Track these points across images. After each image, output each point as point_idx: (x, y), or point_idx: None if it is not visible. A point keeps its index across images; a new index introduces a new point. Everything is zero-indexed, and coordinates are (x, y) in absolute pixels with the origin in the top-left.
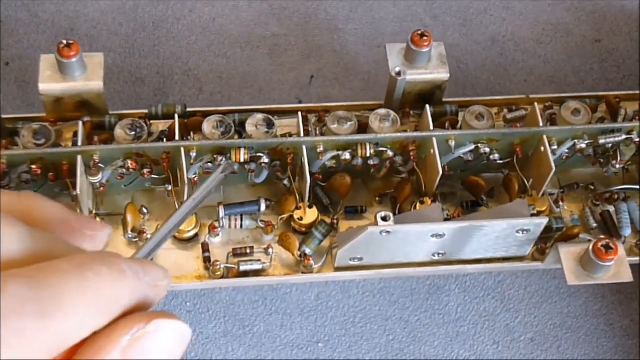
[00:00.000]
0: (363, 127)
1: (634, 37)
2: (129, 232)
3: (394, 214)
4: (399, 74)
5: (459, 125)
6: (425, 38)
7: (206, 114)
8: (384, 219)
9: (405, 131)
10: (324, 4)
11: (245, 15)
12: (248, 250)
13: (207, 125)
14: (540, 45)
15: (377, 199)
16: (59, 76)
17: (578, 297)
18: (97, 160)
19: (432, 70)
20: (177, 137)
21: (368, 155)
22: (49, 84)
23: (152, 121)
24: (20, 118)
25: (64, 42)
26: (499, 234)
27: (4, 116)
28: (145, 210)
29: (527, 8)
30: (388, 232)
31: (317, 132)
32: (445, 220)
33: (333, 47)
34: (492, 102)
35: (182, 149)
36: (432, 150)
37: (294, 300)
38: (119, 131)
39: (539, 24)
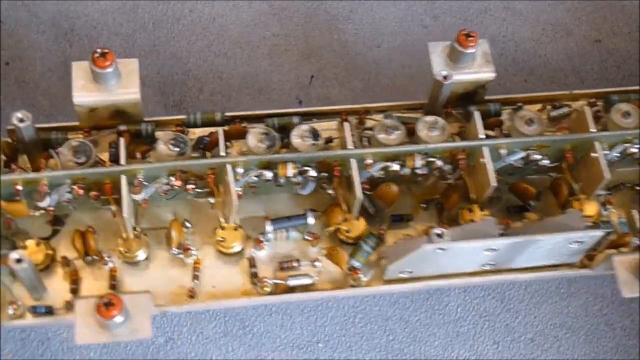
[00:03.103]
0: (409, 132)
1: (634, 37)
2: (174, 249)
3: (440, 220)
4: (445, 77)
5: (503, 127)
6: (471, 38)
7: (244, 118)
8: (439, 235)
9: (453, 135)
10: (324, 4)
11: (245, 15)
12: (295, 264)
13: (252, 139)
14: (540, 45)
15: (423, 205)
16: (93, 86)
17: (578, 297)
18: (141, 179)
19: (477, 70)
20: (222, 153)
21: (417, 166)
22: (84, 96)
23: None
24: (53, 128)
25: (99, 51)
26: (552, 245)
27: (37, 125)
28: (188, 225)
29: (527, 8)
30: (443, 249)
31: (358, 136)
32: (501, 235)
33: (333, 47)
34: (534, 98)
35: (229, 166)
36: (482, 160)
37: (294, 300)
38: (162, 146)
39: (539, 24)
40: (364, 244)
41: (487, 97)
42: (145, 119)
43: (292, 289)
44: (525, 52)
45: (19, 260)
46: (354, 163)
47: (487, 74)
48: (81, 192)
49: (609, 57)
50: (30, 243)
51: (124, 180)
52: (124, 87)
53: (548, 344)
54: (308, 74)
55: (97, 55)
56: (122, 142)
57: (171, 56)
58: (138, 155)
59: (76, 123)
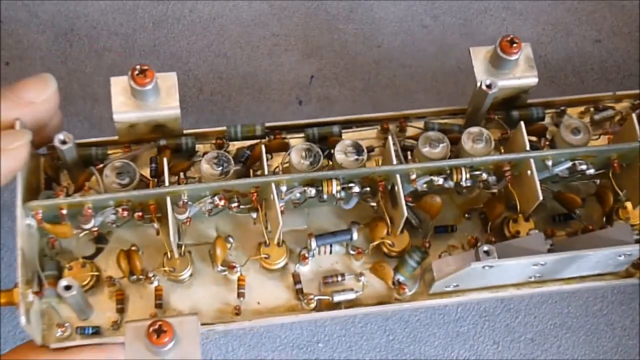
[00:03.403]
0: (450, 141)
1: (634, 37)
2: (219, 266)
3: (485, 231)
4: (489, 86)
5: (547, 133)
6: (515, 45)
7: (283, 129)
8: (487, 253)
9: (499, 147)
10: (324, 4)
11: (245, 15)
12: (339, 278)
13: (295, 155)
14: (540, 45)
15: (466, 215)
16: (132, 102)
17: (578, 297)
18: (185, 200)
19: (520, 76)
20: (265, 172)
21: (463, 180)
22: (124, 113)
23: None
24: (92, 143)
25: (138, 68)
26: (600, 258)
27: (77, 141)
28: (231, 240)
29: (527, 8)
30: (491, 266)
31: (400, 145)
32: (549, 250)
33: (333, 47)
34: (578, 100)
35: (273, 185)
36: (529, 172)
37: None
38: (205, 166)
39: (539, 24)
40: (409, 258)
41: (529, 101)
42: (185, 132)
43: (337, 305)
44: None
45: (68, 287)
46: (398, 179)
47: (530, 79)
48: (125, 214)
49: (609, 57)
50: (75, 264)
51: (169, 202)
52: (164, 102)
53: (548, 344)
54: (308, 74)
55: (136, 72)
56: (165, 163)
57: (171, 56)
58: (182, 175)
59: (115, 138)
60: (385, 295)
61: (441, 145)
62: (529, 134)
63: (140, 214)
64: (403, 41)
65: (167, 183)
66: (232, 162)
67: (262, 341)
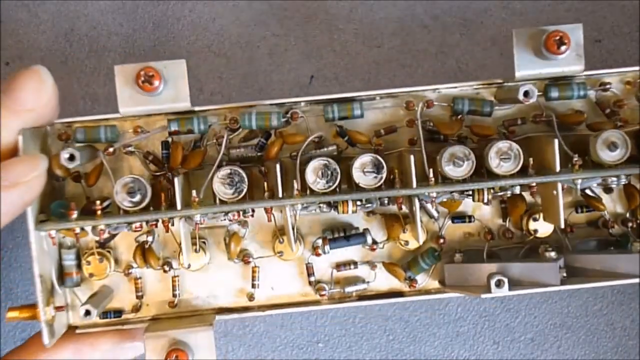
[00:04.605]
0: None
1: (634, 37)
2: (235, 259)
3: (503, 220)
4: (526, 95)
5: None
6: (564, 47)
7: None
8: (498, 285)
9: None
10: (324, 4)
11: (245, 15)
12: (352, 266)
13: (311, 174)
14: None
15: (485, 202)
16: (139, 96)
17: (578, 297)
18: (197, 221)
19: (564, 67)
20: (280, 195)
21: (485, 199)
22: (131, 108)
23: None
24: (101, 120)
25: (143, 74)
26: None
27: (84, 118)
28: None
29: (527, 8)
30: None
31: (425, 129)
32: (562, 282)
33: (333, 47)
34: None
35: (288, 207)
36: (554, 192)
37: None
38: (217, 185)
39: (539, 24)
40: (421, 260)
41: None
42: (197, 109)
43: (349, 295)
44: None
45: (87, 313)
46: (417, 203)
47: (575, 67)
48: (140, 229)
49: (609, 57)
50: (93, 259)
51: (182, 225)
52: (172, 94)
53: (548, 344)
54: (308, 74)
55: (142, 80)
56: (177, 183)
57: (171, 56)
58: (194, 194)
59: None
60: (397, 288)
61: (466, 162)
62: (563, 124)
63: (154, 223)
64: (403, 41)
65: (179, 207)
66: (246, 179)
67: (262, 341)
